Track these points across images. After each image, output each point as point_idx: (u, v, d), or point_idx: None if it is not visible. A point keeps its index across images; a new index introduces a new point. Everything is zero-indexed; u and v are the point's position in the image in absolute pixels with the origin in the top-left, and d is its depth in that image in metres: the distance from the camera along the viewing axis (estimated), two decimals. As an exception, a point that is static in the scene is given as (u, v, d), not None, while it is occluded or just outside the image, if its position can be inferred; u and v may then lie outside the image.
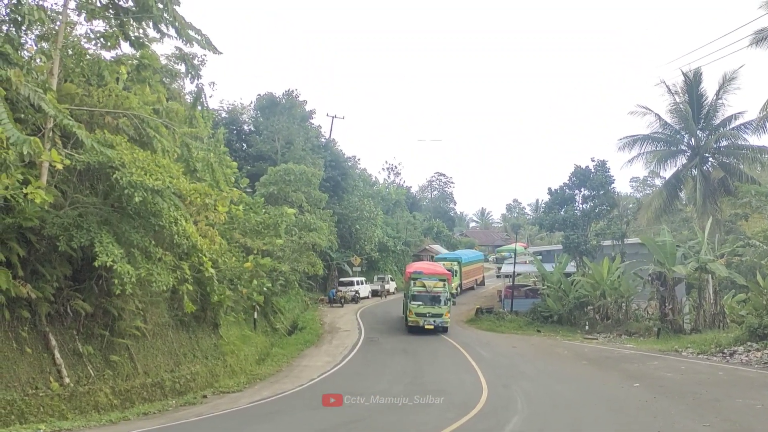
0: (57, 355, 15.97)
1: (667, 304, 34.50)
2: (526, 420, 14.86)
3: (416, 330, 34.63)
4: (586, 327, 39.15)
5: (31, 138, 14.20)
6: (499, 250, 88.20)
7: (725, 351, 26.00)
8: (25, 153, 14.15)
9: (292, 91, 57.84)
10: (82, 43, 19.85)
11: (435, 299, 34.70)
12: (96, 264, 15.43)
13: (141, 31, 19.99)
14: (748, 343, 25.88)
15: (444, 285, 35.39)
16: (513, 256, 60.69)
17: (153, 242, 17.33)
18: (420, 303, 34.65)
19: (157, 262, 17.51)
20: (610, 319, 38.95)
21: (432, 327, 34.19)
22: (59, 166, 15.27)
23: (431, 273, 37.31)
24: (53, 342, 16.05)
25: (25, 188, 14.15)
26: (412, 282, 35.58)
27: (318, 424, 14.34)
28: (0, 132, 13.61)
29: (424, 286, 34.88)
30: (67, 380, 15.94)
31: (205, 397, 20.39)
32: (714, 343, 27.42)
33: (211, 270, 21.18)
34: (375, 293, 55.21)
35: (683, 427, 13.26)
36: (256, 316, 31.74)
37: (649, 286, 36.84)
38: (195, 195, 18.35)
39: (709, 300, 33.74)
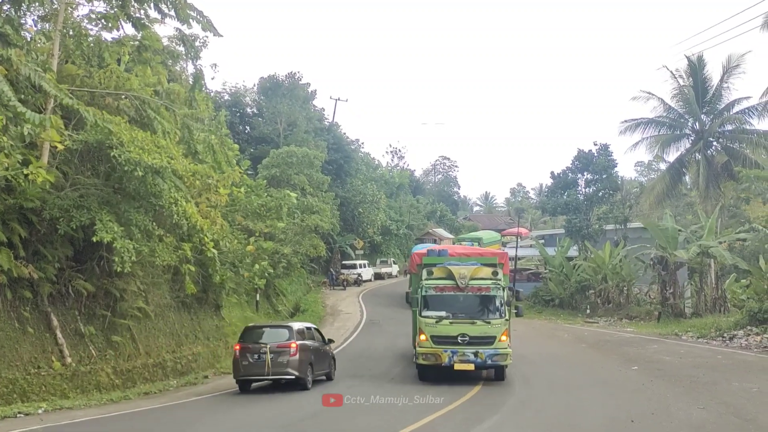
0: (59, 335, 16.13)
1: (668, 289, 34.57)
2: (522, 402, 15.00)
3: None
4: (587, 311, 39.30)
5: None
6: (461, 239, 65.04)
7: (725, 335, 26.09)
8: (26, 133, 14.23)
9: (295, 73, 57.78)
10: (83, 24, 19.82)
11: (479, 304, 17.72)
12: (94, 240, 15.47)
13: (142, 11, 19.94)
14: (748, 328, 25.95)
15: (497, 274, 18.00)
16: (474, 245, 60.18)
17: (154, 223, 17.40)
18: (444, 316, 17.54)
19: (158, 242, 17.62)
20: (611, 303, 39.10)
21: (472, 367, 17.23)
22: (60, 147, 15.35)
23: (466, 254, 21.90)
24: (55, 322, 16.21)
25: (26, 169, 14.23)
26: (425, 272, 18.34)
27: (316, 405, 14.47)
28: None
29: (450, 277, 17.66)
30: (68, 360, 16.11)
31: (206, 377, 20.63)
32: (714, 327, 27.51)
33: (213, 250, 21.28)
34: (378, 276, 55.41)
35: (678, 410, 13.35)
36: (258, 298, 31.94)
37: (651, 271, 36.91)
38: (194, 177, 18.43)
39: (710, 284, 33.78)
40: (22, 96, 16.03)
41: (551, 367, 20.84)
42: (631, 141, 41.74)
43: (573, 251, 45.98)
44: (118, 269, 16.04)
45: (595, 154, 46.16)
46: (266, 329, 17.82)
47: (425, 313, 17.69)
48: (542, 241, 53.06)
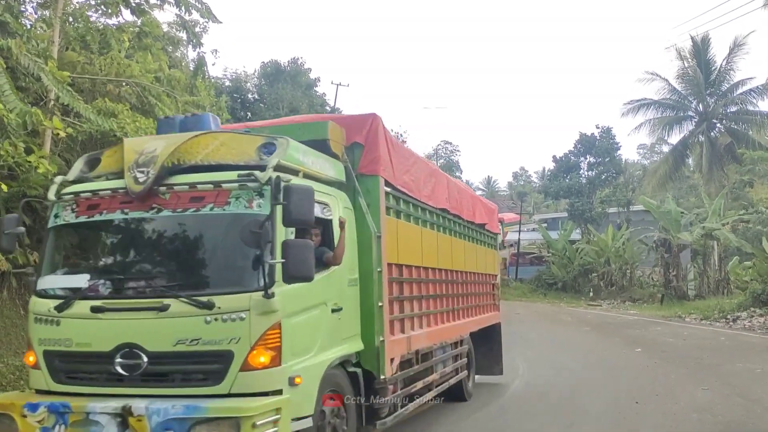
0: (64, 321, 16.17)
1: (671, 271, 34.66)
2: (527, 384, 15.03)
3: None
4: (590, 293, 39.43)
5: (32, 109, 14.18)
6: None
7: (728, 317, 26.14)
8: (27, 121, 14.17)
9: (297, 58, 57.37)
10: (82, 10, 19.68)
11: (191, 251, 5.78)
12: None
13: (142, -3, 19.82)
14: (752, 309, 26.01)
15: (271, 149, 5.55)
16: None
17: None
18: (83, 289, 5.95)
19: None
20: (614, 286, 39.23)
21: None
22: (62, 134, 15.30)
23: (290, 121, 8.20)
24: (60, 309, 16.23)
25: (29, 156, 14.20)
26: (74, 170, 6.99)
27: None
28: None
29: (120, 174, 6.01)
30: (74, 346, 16.16)
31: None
32: (717, 309, 27.56)
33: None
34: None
35: (682, 391, 13.38)
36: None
37: (654, 253, 36.98)
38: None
39: (713, 266, 33.83)
40: (23, 84, 15.99)
41: (555, 350, 20.88)
42: (633, 123, 41.85)
43: (576, 234, 46.02)
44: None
45: (598, 138, 46.05)
46: None
47: (42, 283, 6.64)
48: (545, 224, 53.08)
